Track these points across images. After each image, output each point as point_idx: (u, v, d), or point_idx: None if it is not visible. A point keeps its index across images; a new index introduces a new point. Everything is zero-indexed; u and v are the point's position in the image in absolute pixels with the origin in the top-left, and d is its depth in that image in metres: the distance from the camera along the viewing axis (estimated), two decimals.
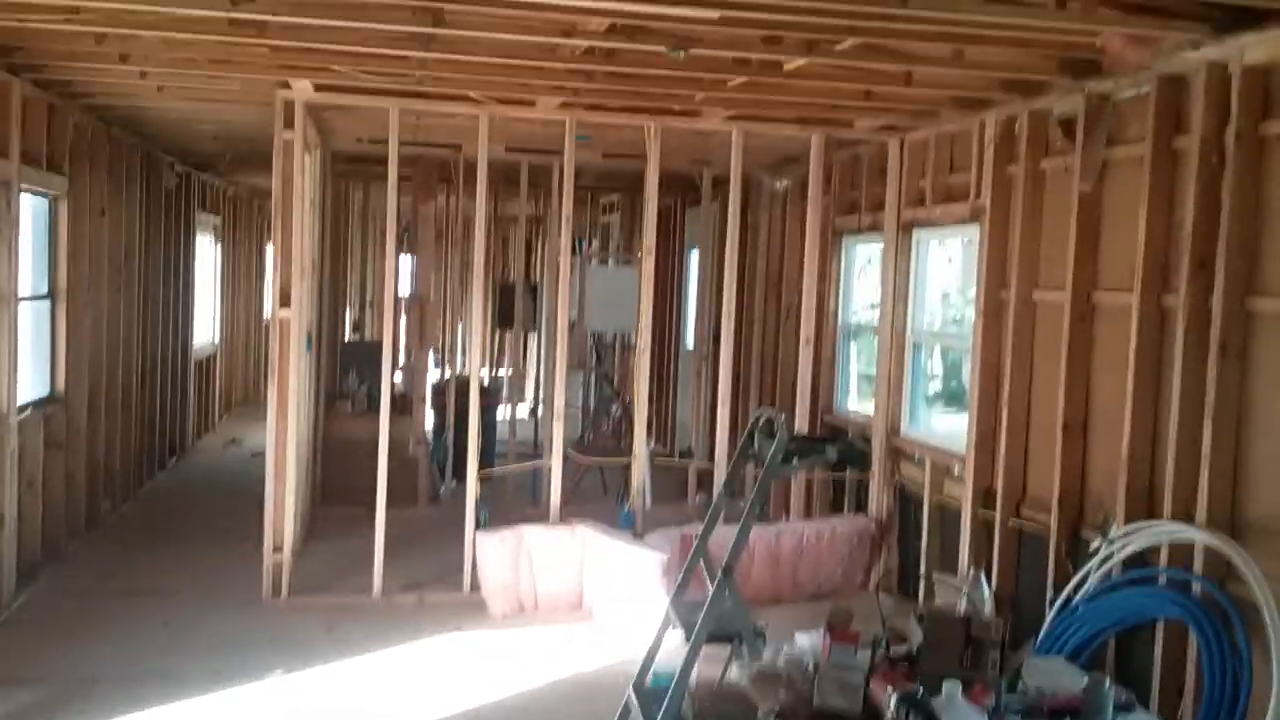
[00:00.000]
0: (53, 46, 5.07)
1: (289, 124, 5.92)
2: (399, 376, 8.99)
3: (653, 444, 9.45)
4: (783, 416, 3.53)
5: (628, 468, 6.88)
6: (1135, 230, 4.50)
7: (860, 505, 7.03)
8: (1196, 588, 4.12)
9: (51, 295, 6.73)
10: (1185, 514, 4.20)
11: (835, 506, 7.39)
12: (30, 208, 6.36)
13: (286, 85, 5.73)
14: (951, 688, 2.36)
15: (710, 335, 9.04)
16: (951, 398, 6.99)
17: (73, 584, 6.40)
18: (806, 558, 6.54)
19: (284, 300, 6.14)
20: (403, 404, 8.50)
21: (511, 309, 9.59)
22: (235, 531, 7.19)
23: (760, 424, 3.67)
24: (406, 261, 9.67)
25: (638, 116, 6.22)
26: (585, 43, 4.53)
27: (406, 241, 9.64)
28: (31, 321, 6.53)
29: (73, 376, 6.93)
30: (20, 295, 6.00)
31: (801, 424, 6.95)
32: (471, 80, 5.49)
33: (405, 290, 9.32)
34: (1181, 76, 4.29)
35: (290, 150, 6.01)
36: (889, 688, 2.33)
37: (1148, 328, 4.46)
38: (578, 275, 10.69)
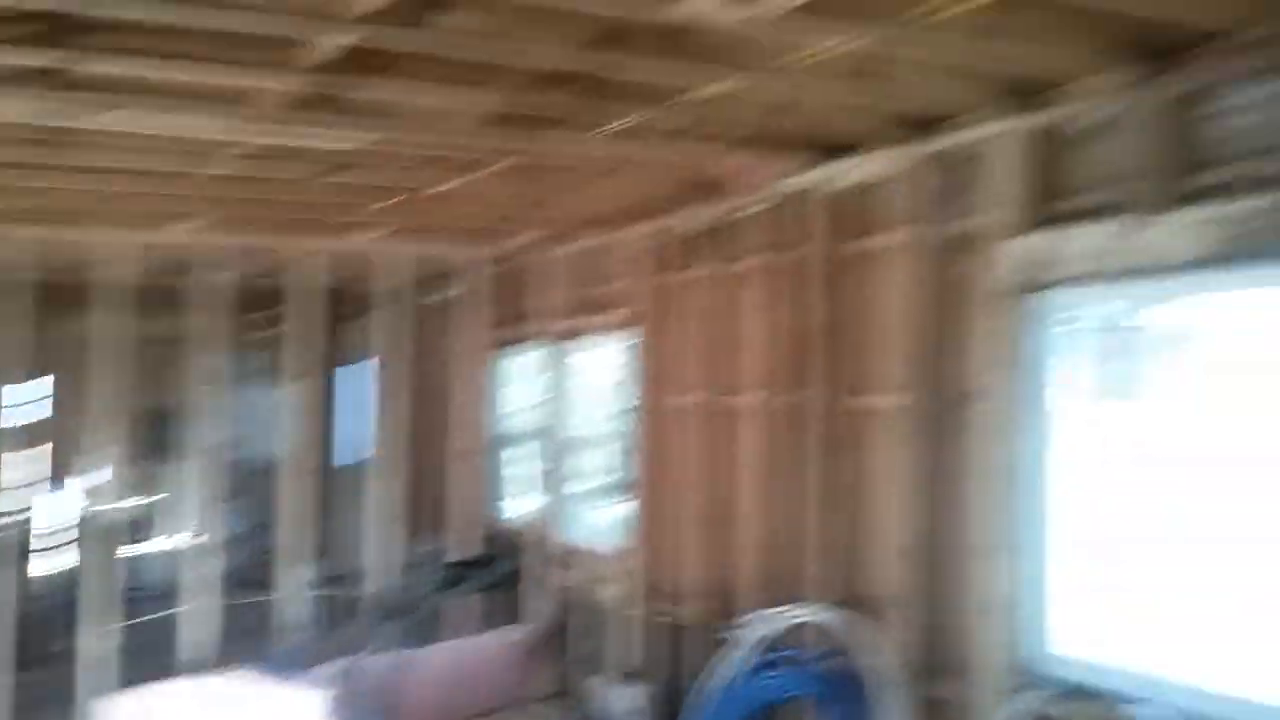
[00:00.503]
0: None
1: None
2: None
3: (314, 570, 8.99)
4: (435, 548, 3.50)
5: (286, 600, 6.50)
6: (763, 335, 4.92)
7: (521, 615, 7.01)
8: (824, 665, 4.45)
9: None
10: (813, 597, 4.55)
11: (494, 619, 7.31)
12: None
13: None
14: None
15: (372, 450, 8.80)
16: (610, 498, 7.20)
17: None
18: (473, 675, 6.41)
19: None
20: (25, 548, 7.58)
21: (158, 434, 8.89)
22: None
23: (416, 557, 3.61)
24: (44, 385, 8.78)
25: (286, 237, 6.08)
26: (217, 170, 4.38)
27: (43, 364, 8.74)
28: None
29: None
30: None
31: (461, 536, 6.90)
32: (97, 208, 5.15)
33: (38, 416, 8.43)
34: (793, 197, 4.77)
35: None
36: None
37: (774, 425, 4.85)
38: (228, 398, 10.14)
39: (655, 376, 5.73)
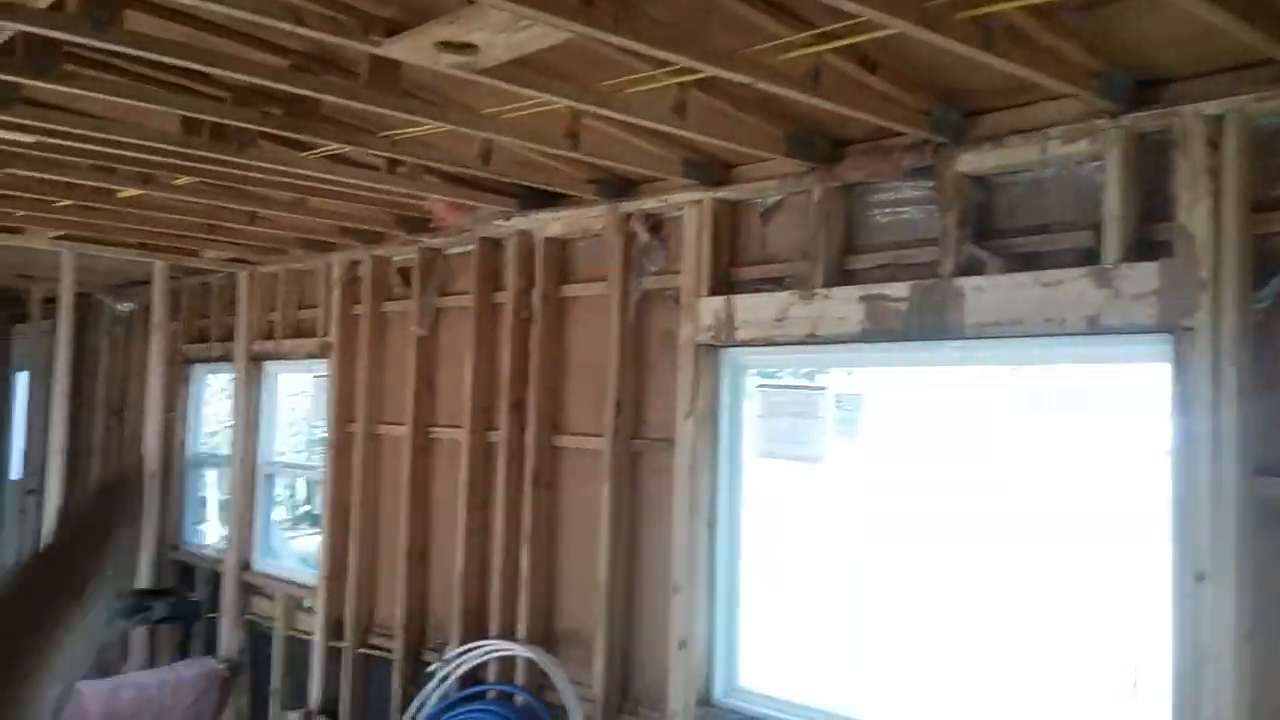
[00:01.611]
0: None
1: None
2: None
3: None
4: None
5: None
6: (465, 372, 4.97)
7: (210, 646, 6.68)
8: (519, 699, 4.56)
9: None
10: (510, 631, 4.65)
11: (183, 649, 6.95)
12: None
13: None
14: None
15: (41, 467, 8.10)
16: (312, 523, 7.00)
17: None
18: (150, 711, 6.04)
19: None
20: None
21: None
22: None
23: None
24: None
25: None
26: None
27: None
28: None
29: None
30: None
31: (147, 564, 6.49)
32: None
33: None
34: (499, 240, 4.88)
35: None
36: None
37: (476, 461, 4.91)
38: None
39: (355, 405, 5.63)
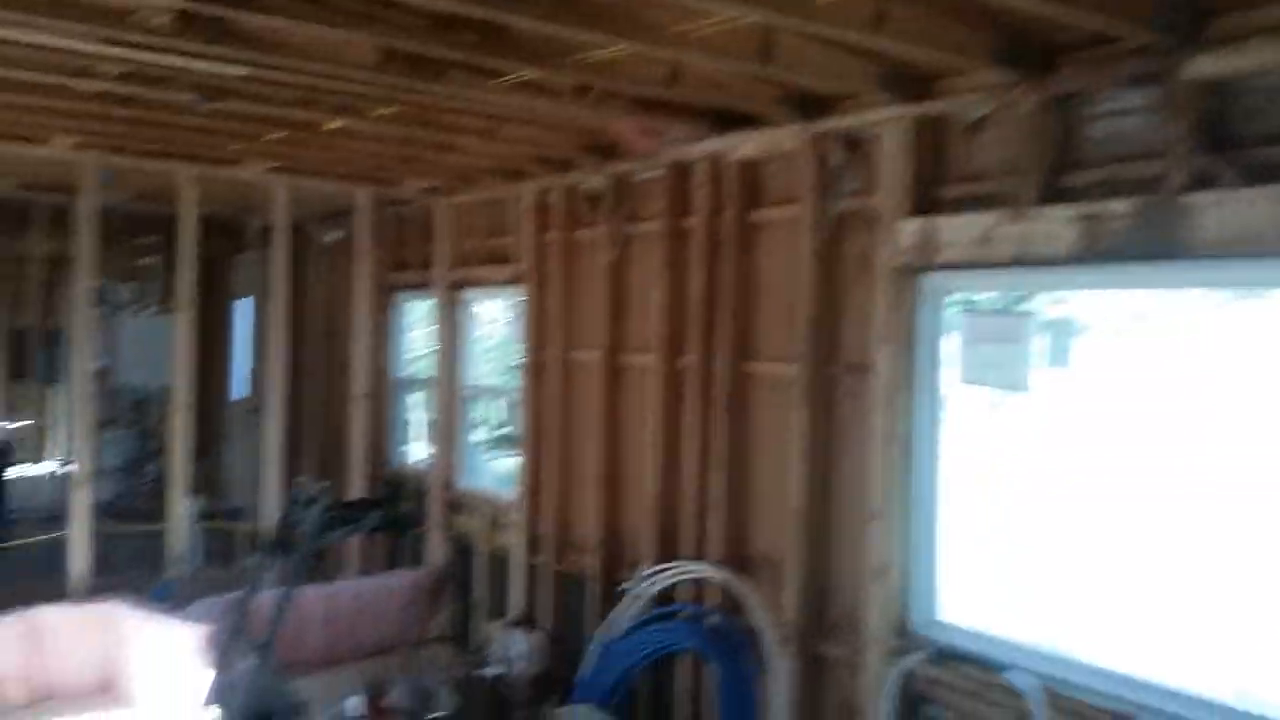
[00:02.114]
0: None
1: None
2: None
3: (199, 504, 8.85)
4: (320, 487, 3.51)
5: (170, 532, 6.42)
6: (655, 298, 4.97)
7: (418, 558, 7.06)
8: (710, 620, 4.61)
9: None
10: (701, 554, 4.69)
11: (393, 561, 7.36)
12: None
13: None
14: None
15: (260, 388, 8.67)
16: (510, 445, 7.24)
17: None
18: (365, 616, 6.43)
19: None
20: None
21: (26, 358, 8.61)
22: None
23: (300, 494, 3.61)
24: None
25: (168, 161, 5.88)
26: (99, 86, 4.22)
27: None
28: None
29: None
30: None
31: (357, 478, 6.88)
32: None
33: None
34: (688, 164, 4.81)
35: None
36: None
37: (666, 386, 4.93)
38: (107, 323, 9.83)
39: (549, 332, 5.74)
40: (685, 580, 4.75)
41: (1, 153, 5.56)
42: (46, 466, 10.41)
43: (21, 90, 4.40)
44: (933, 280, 3.82)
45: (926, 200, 3.79)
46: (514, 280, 6.05)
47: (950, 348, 3.84)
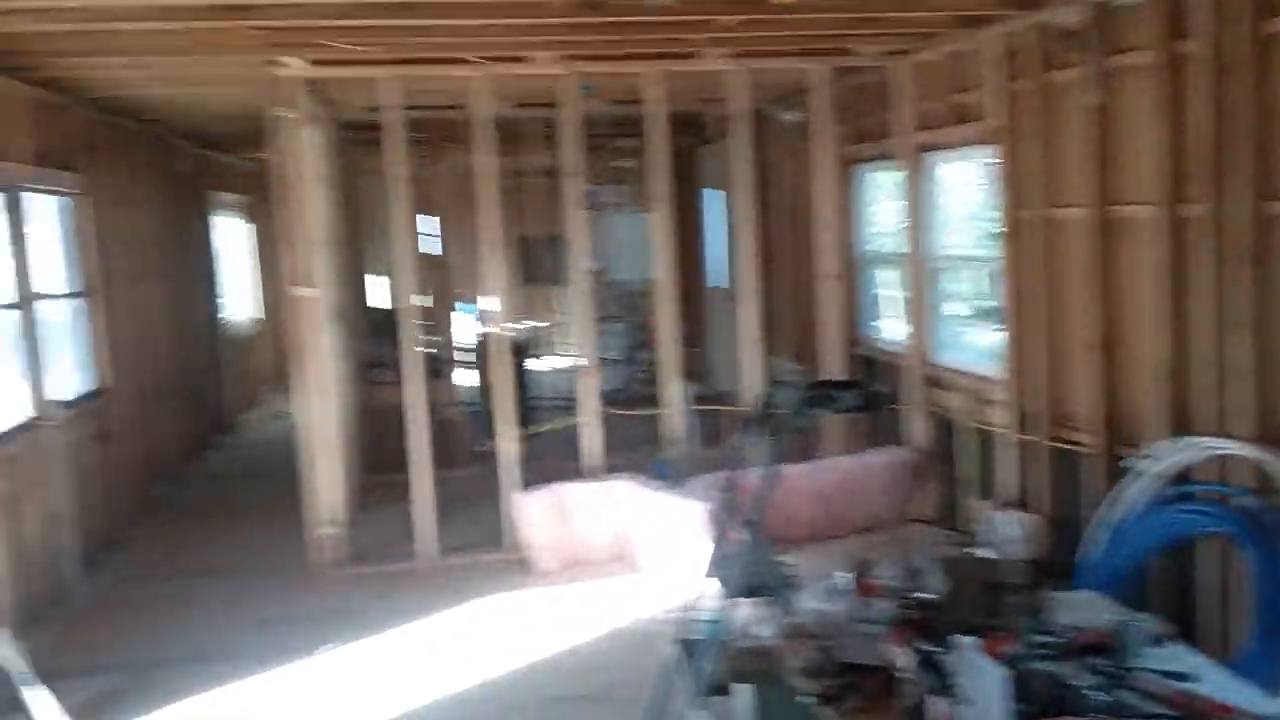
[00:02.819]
0: (43, 46, 5.07)
1: (286, 102, 5.90)
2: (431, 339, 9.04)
3: (690, 388, 9.42)
4: (795, 368, 3.52)
5: (666, 416, 6.90)
6: (1149, 140, 4.38)
7: (899, 438, 7.00)
8: (1237, 501, 4.07)
9: (84, 292, 6.83)
10: (1218, 428, 4.14)
11: (874, 440, 7.36)
12: (49, 207, 6.43)
13: (279, 63, 5.70)
14: (966, 642, 2.35)
15: (735, 275, 8.97)
16: (990, 316, 6.89)
17: (134, 569, 6.60)
18: (850, 493, 6.53)
19: (301, 279, 6.17)
20: (436, 366, 8.57)
21: (534, 263, 9.59)
22: (285, 505, 7.29)
23: (777, 376, 3.65)
24: (427, 224, 9.65)
25: (635, 64, 6.14)
26: None
27: (426, 204, 9.63)
28: (72, 320, 6.65)
29: (115, 368, 7.06)
30: (51, 294, 6.08)
31: (831, 359, 6.92)
32: (464, 43, 5.43)
33: (429, 251, 9.31)
34: None
35: (289, 127, 5.99)
36: (902, 646, 2.33)
37: (1167, 239, 4.35)
38: (596, 225, 10.65)
39: (1026, 190, 5.30)
40: (1202, 458, 4.23)
41: (496, 73, 6.12)
42: (558, 360, 11.66)
43: (503, 12, 4.78)
44: None
45: None
46: (983, 138, 5.64)
47: None
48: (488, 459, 8.53)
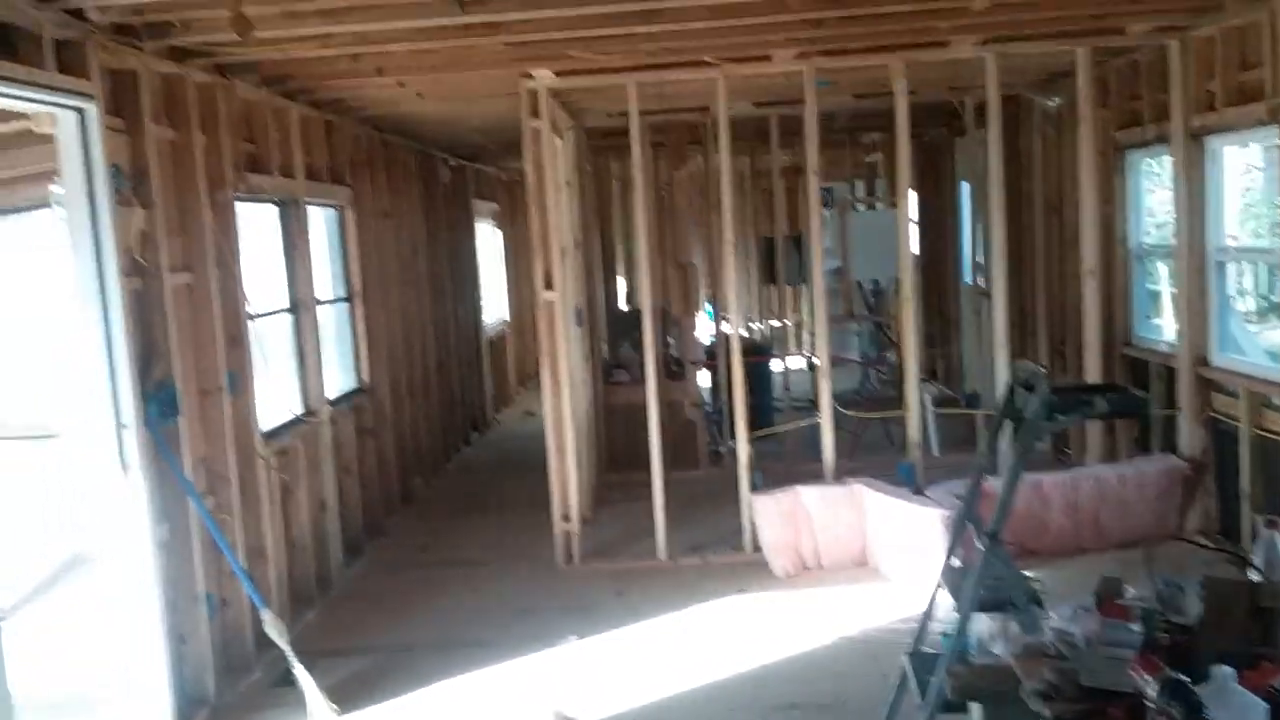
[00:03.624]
0: (317, 69, 5.47)
1: (535, 112, 6.11)
2: (671, 341, 9.13)
3: (935, 390, 9.07)
4: (1037, 372, 3.26)
5: (908, 419, 6.65)
6: None
7: (1169, 444, 6.43)
8: None
9: (349, 297, 7.32)
10: None
11: (1141, 446, 6.81)
12: (321, 219, 6.94)
13: (529, 75, 5.91)
14: (1223, 672, 2.08)
15: (988, 271, 8.54)
16: (1265, 315, 6.23)
17: (392, 557, 7.00)
18: (1109, 504, 6.09)
19: (547, 283, 6.36)
20: (676, 368, 8.64)
21: (774, 263, 9.49)
22: (534, 500, 7.54)
23: (1021, 379, 3.42)
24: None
25: (879, 55, 5.94)
26: None
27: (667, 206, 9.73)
28: (336, 323, 7.15)
29: (376, 368, 7.53)
30: (321, 300, 6.56)
31: (1093, 359, 6.45)
32: (702, 46, 5.44)
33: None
34: None
35: (539, 137, 6.19)
36: (1147, 673, 2.09)
37: None
38: (838, 224, 10.42)
39: None
40: None
41: (736, 73, 6.09)
42: (798, 361, 11.50)
43: (747, 13, 4.75)
44: None
45: None
46: (1271, 118, 5.08)
47: None
48: (724, 459, 8.56)
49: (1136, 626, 2.43)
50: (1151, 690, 2.06)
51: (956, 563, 3.62)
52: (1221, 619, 2.30)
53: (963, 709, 3.31)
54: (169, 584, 4.49)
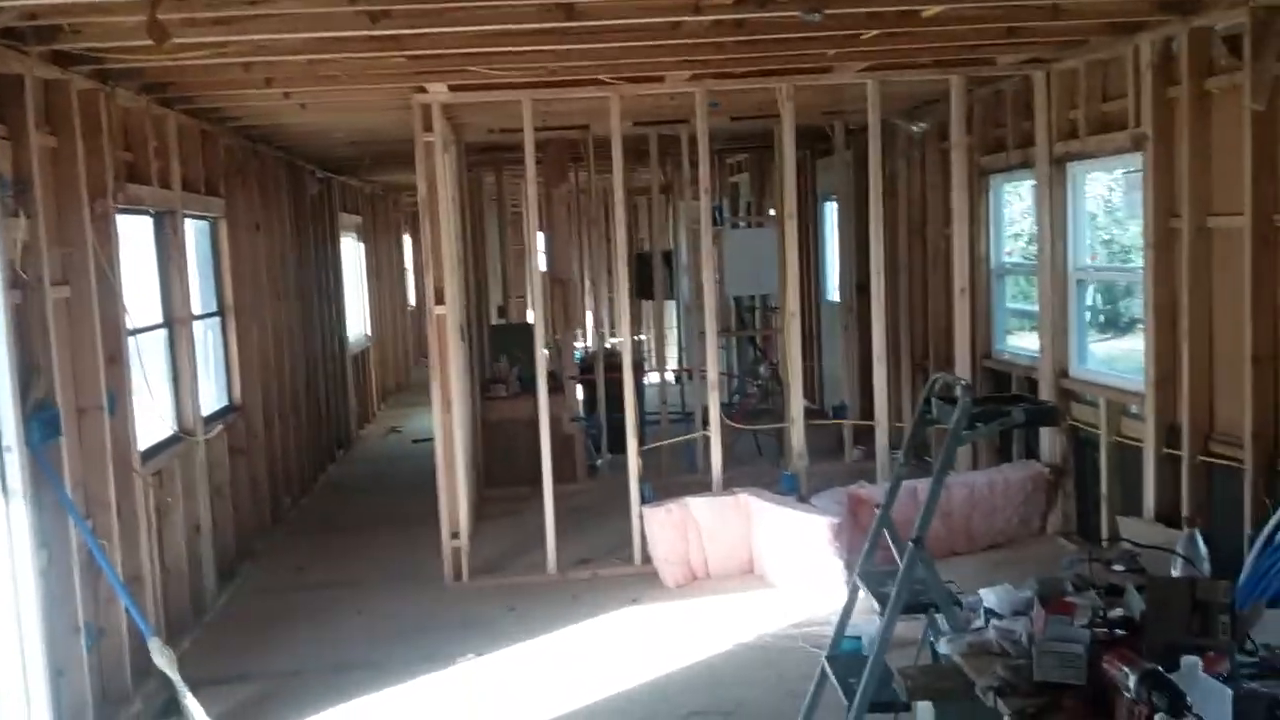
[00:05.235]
0: (202, 78, 5.28)
1: (428, 127, 6.04)
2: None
3: (807, 403, 9.31)
4: (964, 381, 3.45)
5: (783, 430, 6.85)
6: None
7: (1031, 450, 6.84)
8: None
9: (220, 312, 7.05)
10: None
11: (1003, 453, 7.21)
12: (193, 231, 6.66)
13: (423, 90, 5.84)
14: (1190, 661, 2.27)
15: (853, 288, 8.87)
16: (1107, 327, 6.71)
17: (268, 580, 6.77)
18: (979, 509, 6.42)
19: (438, 298, 6.29)
20: (554, 383, 8.65)
21: (649, 279, 9.61)
22: (407, 516, 7.44)
23: (937, 388, 3.59)
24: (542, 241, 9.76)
25: (769, 80, 6.14)
26: (713, 17, 4.47)
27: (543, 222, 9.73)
28: (207, 339, 6.87)
29: (249, 385, 7.28)
30: (191, 313, 6.30)
31: (962, 372, 6.79)
32: (601, 65, 5.50)
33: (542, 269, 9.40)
34: None
35: (432, 151, 6.13)
36: (1123, 666, 2.25)
37: None
38: (715, 240, 10.62)
39: (1178, 198, 5.13)
40: None
41: (633, 93, 6.16)
42: (666, 375, 11.65)
43: (643, 34, 4.83)
44: None
45: None
46: (1130, 146, 5.49)
47: None
48: (600, 472, 8.60)
49: (1082, 622, 2.60)
50: (1130, 681, 2.21)
51: (871, 566, 3.77)
52: (1162, 613, 2.49)
53: (889, 709, 3.46)
54: (47, 614, 4.23)
